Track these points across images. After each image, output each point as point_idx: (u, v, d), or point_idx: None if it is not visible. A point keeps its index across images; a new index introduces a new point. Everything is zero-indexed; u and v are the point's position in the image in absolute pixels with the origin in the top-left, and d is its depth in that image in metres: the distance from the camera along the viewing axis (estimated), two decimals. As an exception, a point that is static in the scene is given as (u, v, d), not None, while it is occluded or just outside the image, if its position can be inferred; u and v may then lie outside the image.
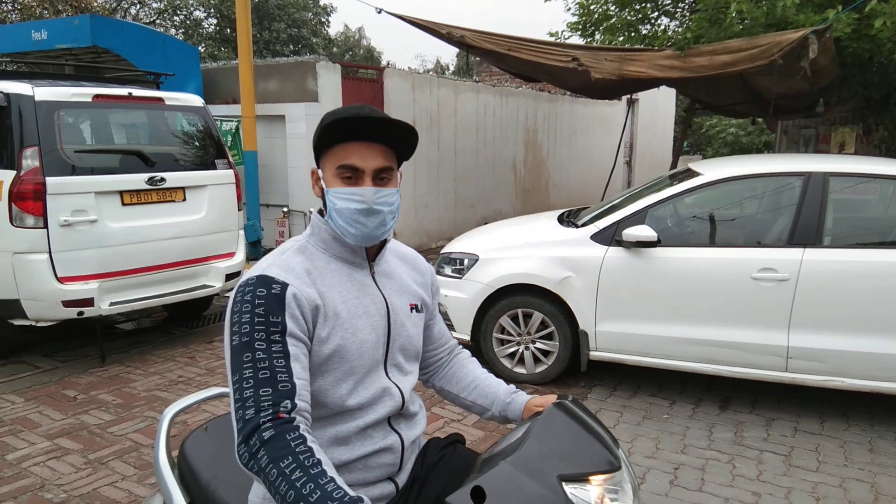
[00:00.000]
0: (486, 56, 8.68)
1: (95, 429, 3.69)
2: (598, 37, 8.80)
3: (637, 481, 1.20)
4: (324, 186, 1.38)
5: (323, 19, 32.89)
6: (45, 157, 4.44)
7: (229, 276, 5.42)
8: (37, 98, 4.49)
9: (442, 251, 4.86)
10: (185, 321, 5.88)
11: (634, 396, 4.26)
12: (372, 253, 1.47)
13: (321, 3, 32.32)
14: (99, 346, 4.83)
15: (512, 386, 1.62)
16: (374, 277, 1.46)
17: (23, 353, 4.92)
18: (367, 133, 1.34)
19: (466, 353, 1.74)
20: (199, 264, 5.26)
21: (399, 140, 1.38)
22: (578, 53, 7.01)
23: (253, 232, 7.25)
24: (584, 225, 4.38)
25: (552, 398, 1.41)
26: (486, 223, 10.01)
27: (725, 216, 4.33)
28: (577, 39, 8.98)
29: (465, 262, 4.54)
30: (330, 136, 1.34)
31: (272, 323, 1.24)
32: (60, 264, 4.46)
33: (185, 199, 5.17)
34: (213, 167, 5.44)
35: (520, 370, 4.40)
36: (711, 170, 4.22)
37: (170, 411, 1.88)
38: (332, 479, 1.09)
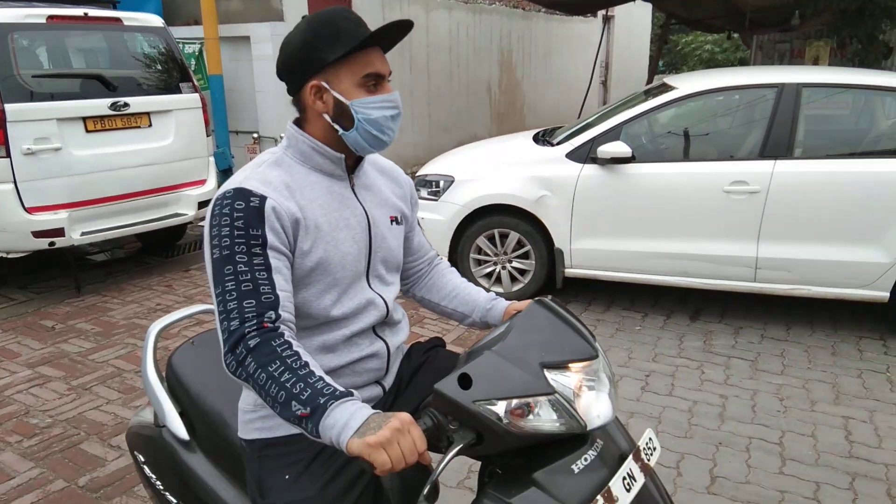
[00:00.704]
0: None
1: (76, 356, 3.71)
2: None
3: (613, 372, 1.25)
4: (342, 99, 1.34)
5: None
6: (1, 83, 4.26)
7: (202, 204, 5.35)
8: (-12, 20, 4.26)
9: (417, 174, 4.83)
10: (159, 250, 5.83)
11: (608, 311, 4.38)
12: (350, 165, 1.45)
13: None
14: (74, 276, 4.78)
15: (492, 293, 1.65)
16: (353, 190, 1.45)
17: (-4, 286, 4.86)
18: (380, 39, 1.33)
19: (446, 263, 1.76)
20: (170, 192, 5.17)
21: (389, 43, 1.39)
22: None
23: (223, 160, 7.10)
24: (559, 143, 4.36)
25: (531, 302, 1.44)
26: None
27: (699, 131, 4.34)
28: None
29: (441, 183, 4.52)
30: (343, 45, 1.31)
31: (252, 236, 1.24)
32: (27, 194, 4.36)
33: (150, 125, 5.02)
34: (178, 91, 5.27)
35: (497, 289, 4.47)
36: (686, 83, 4.19)
37: (155, 327, 1.89)
38: (321, 378, 1.12)
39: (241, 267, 1.22)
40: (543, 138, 4.74)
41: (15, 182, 4.31)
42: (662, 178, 4.00)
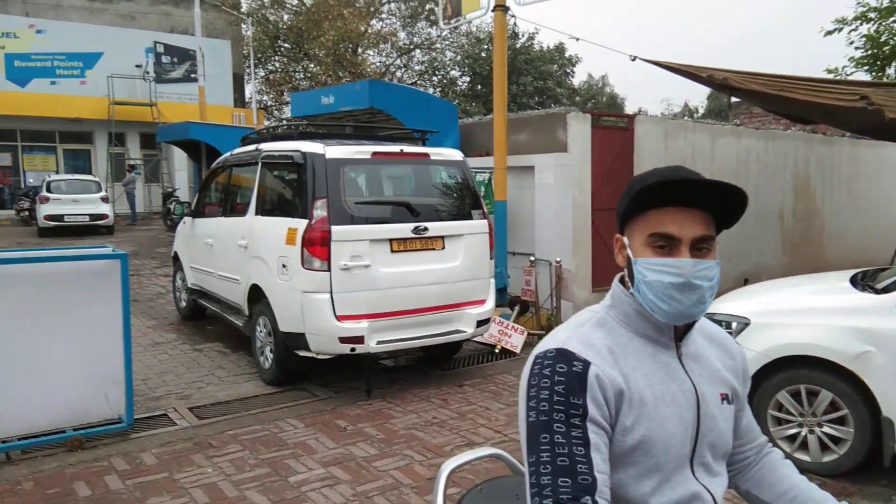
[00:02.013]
0: (749, 98, 8.01)
1: (362, 461, 3.97)
2: (890, 71, 7.66)
3: None
4: (630, 255, 1.28)
5: (568, 70, 33.52)
6: (331, 208, 5.00)
7: (480, 323, 5.59)
8: (327, 156, 5.11)
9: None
10: (437, 362, 6.16)
11: (960, 506, 3.44)
12: (679, 332, 1.32)
13: (566, 54, 33.01)
14: (366, 380, 5.23)
15: (844, 502, 1.34)
16: (681, 360, 1.31)
17: (304, 381, 5.51)
18: (685, 197, 1.22)
19: (779, 453, 1.48)
20: (454, 310, 5.49)
21: (720, 204, 1.23)
22: (868, 91, 6.15)
23: (500, 279, 7.43)
24: (885, 290, 3.71)
25: None
26: (746, 278, 9.12)
27: None
28: (862, 75, 7.91)
29: (734, 325, 4.10)
30: (641, 201, 1.24)
31: (572, 405, 1.16)
32: (339, 304, 4.96)
33: (443, 248, 5.46)
34: (470, 217, 5.69)
35: (802, 456, 3.80)
36: None
37: (447, 467, 1.88)
38: None
39: (558, 438, 1.14)
40: (864, 282, 4.09)
41: (331, 293, 4.95)
42: None
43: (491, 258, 5.81)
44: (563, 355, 1.22)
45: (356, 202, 5.30)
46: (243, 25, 26.67)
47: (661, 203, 1.22)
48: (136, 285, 10.03)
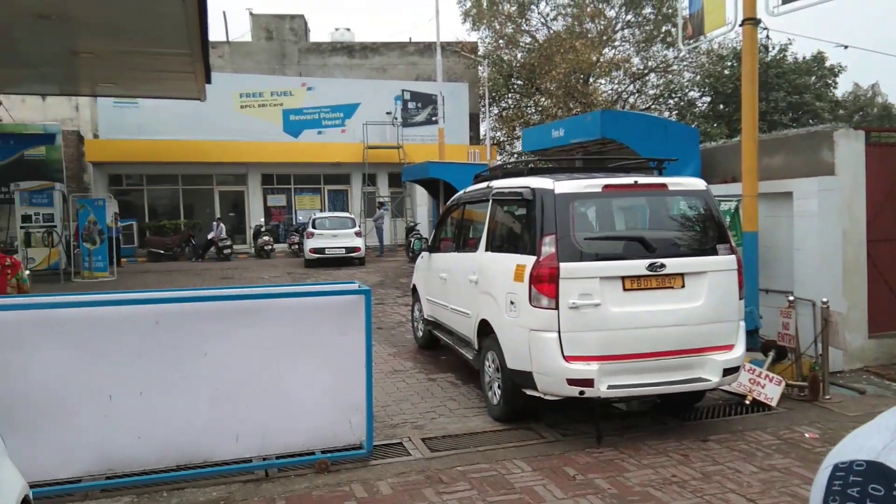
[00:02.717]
0: None
1: (591, 517, 3.70)
2: None
3: None
4: None
5: (829, 81, 29.79)
6: (560, 244, 4.85)
7: (727, 371, 4.99)
8: (556, 191, 4.99)
9: None
10: (677, 410, 5.62)
11: None
12: None
13: (827, 64, 29.39)
14: (596, 426, 4.94)
15: None
16: None
17: (532, 419, 5.38)
18: None
19: None
20: (696, 355, 4.97)
21: None
22: None
23: (751, 320, 6.61)
24: None
25: None
26: None
27: None
28: None
29: None
30: None
31: None
32: (567, 344, 4.76)
33: (683, 286, 4.99)
34: (714, 252, 5.14)
35: None
36: None
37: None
38: None
39: None
40: None
41: (559, 332, 4.77)
42: None
43: (740, 298, 5.19)
44: (880, 472, 0.90)
45: (586, 238, 5.10)
46: (479, 68, 28.08)
47: None
48: (381, 313, 10.84)
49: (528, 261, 4.95)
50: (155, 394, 4.26)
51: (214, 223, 21.73)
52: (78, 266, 16.30)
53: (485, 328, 5.65)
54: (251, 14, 27.99)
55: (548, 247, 4.87)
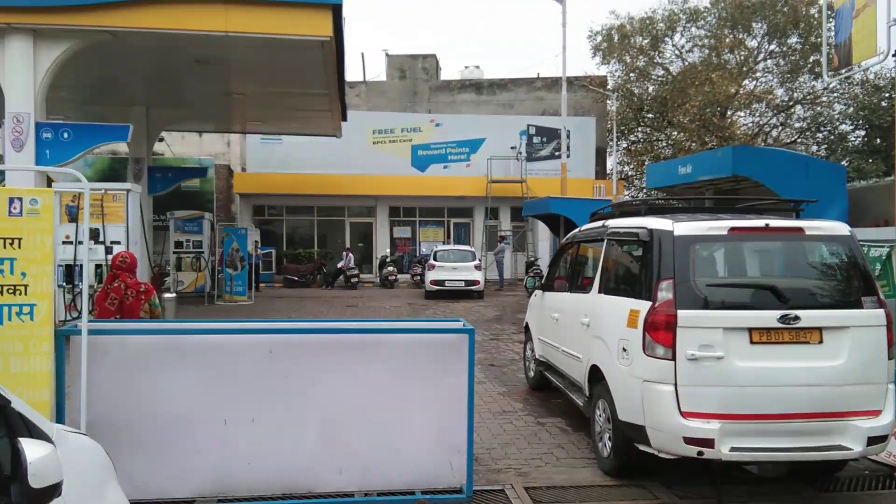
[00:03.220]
0: None
1: None
2: None
3: None
4: None
5: None
6: (678, 290, 4.55)
7: (873, 440, 4.41)
8: (675, 233, 4.70)
9: None
10: (813, 478, 5.04)
11: None
12: None
13: None
14: (718, 490, 4.51)
15: None
16: None
17: (645, 476, 5.03)
18: None
19: None
20: (835, 419, 4.44)
21: None
22: None
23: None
24: None
25: None
26: None
27: None
28: None
29: None
30: None
31: None
32: (685, 398, 4.42)
33: (820, 342, 4.50)
34: (859, 305, 4.61)
35: None
36: None
37: None
38: None
39: None
40: None
41: (676, 385, 4.45)
42: None
43: (890, 357, 4.59)
44: None
45: (708, 284, 4.75)
46: (608, 101, 27.61)
47: None
48: (495, 349, 10.73)
49: (643, 306, 4.69)
50: (266, 421, 4.43)
51: (344, 252, 22.73)
52: (221, 290, 17.59)
53: (596, 374, 5.40)
54: (387, 55, 29.46)
55: (664, 292, 4.59)
